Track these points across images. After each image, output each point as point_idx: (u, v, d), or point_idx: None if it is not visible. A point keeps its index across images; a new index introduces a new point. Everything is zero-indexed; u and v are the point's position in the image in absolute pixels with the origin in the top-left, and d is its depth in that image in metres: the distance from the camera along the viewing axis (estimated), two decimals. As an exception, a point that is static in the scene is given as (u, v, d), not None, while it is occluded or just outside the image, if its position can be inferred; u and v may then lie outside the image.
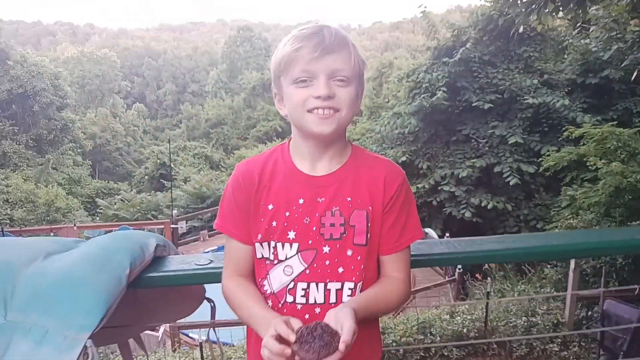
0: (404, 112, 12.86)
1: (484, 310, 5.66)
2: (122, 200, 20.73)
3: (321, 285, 1.12)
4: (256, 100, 35.93)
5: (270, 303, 1.15)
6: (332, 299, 1.13)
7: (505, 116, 12.00)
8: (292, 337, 0.93)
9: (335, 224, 1.12)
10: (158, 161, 26.28)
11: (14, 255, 1.14)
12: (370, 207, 1.14)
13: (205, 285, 1.38)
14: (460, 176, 11.32)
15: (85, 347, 1.01)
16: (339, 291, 1.13)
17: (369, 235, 1.13)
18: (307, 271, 1.12)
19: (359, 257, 1.13)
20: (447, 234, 10.94)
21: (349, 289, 1.13)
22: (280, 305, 1.14)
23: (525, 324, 5.62)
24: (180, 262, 1.28)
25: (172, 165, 23.22)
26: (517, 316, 5.81)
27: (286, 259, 1.13)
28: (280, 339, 0.94)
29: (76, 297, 1.06)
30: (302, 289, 1.13)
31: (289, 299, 1.13)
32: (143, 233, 1.28)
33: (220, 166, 28.25)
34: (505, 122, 11.81)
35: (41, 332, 1.02)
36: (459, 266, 8.05)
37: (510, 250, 1.39)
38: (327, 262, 1.12)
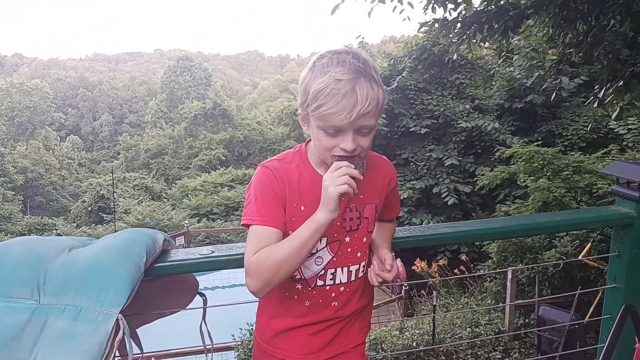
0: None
1: (431, 324, 5.93)
2: (60, 235, 19.84)
3: (345, 268, 1.35)
4: (198, 130, 35.49)
5: (300, 286, 1.34)
6: (352, 278, 1.37)
7: (441, 140, 12.57)
8: (352, 166, 1.18)
9: (353, 217, 1.34)
10: (96, 194, 25.37)
11: (42, 249, 1.24)
12: (378, 201, 1.38)
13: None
14: (401, 198, 11.72)
15: (117, 320, 1.13)
16: (357, 270, 1.37)
17: (375, 222, 1.39)
18: (334, 259, 1.33)
19: (368, 241, 1.39)
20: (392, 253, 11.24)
21: (363, 266, 1.38)
22: (310, 288, 1.34)
23: (470, 334, 5.93)
24: (185, 254, 1.42)
25: (114, 197, 22.51)
26: (462, 328, 6.11)
27: (317, 251, 1.32)
28: None
29: (105, 279, 1.18)
30: (331, 274, 1.34)
31: (319, 283, 1.34)
32: (153, 230, 1.41)
33: (161, 197, 27.57)
34: (441, 146, 12.37)
35: (75, 310, 1.14)
36: (405, 284, 8.33)
37: (460, 232, 1.65)
38: (349, 250, 1.35)
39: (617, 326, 1.32)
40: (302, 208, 1.28)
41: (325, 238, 1.31)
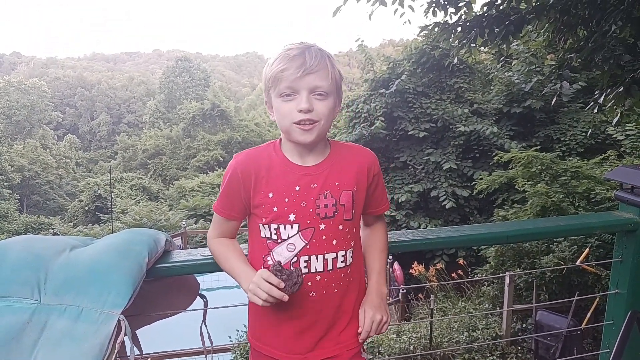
0: (345, 141, 13.22)
1: (429, 328, 5.92)
2: (56, 234, 19.76)
3: (320, 256, 1.33)
4: (196, 130, 35.50)
5: None
6: (329, 267, 1.35)
7: (440, 143, 12.56)
8: (282, 285, 1.21)
9: (329, 204, 1.33)
10: (94, 193, 25.31)
11: (43, 249, 1.23)
12: (355, 188, 1.36)
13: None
14: (399, 201, 11.69)
15: (119, 320, 1.12)
16: (334, 259, 1.35)
17: (354, 211, 1.36)
18: (308, 246, 1.32)
19: (347, 230, 1.36)
20: (390, 257, 11.25)
21: (342, 256, 1.36)
22: None
23: (467, 338, 5.91)
24: (187, 255, 1.43)
25: (111, 197, 22.46)
26: (459, 332, 6.09)
27: (288, 237, 1.32)
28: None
29: (107, 280, 1.17)
30: (305, 261, 1.33)
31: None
32: (154, 230, 1.40)
33: (159, 197, 27.52)
34: (439, 149, 12.36)
35: (77, 310, 1.13)
36: (402, 288, 8.32)
37: (463, 236, 1.64)
38: (324, 237, 1.33)
39: (624, 332, 1.31)
40: (271, 195, 1.32)
41: (297, 224, 1.32)
